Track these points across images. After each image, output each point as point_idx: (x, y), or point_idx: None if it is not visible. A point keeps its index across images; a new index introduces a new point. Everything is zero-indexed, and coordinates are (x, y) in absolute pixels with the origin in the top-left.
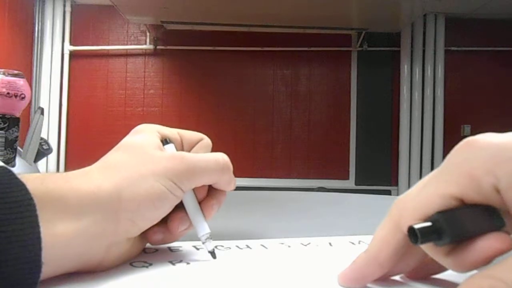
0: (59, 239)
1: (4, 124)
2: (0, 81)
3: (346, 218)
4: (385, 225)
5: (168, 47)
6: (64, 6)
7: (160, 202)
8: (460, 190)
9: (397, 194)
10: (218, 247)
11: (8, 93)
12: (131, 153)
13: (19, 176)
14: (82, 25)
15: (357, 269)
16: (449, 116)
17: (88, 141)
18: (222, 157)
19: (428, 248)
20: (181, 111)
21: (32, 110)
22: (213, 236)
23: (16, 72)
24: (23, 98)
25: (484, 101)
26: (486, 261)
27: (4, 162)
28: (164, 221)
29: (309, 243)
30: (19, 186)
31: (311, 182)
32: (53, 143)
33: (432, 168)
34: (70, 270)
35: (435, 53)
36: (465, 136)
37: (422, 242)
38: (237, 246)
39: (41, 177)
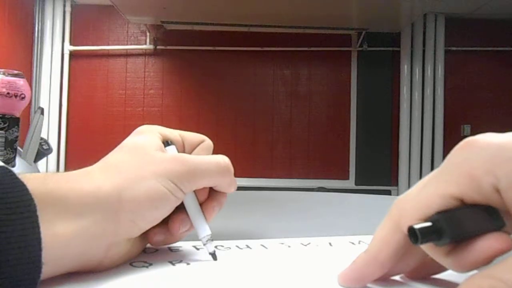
0: (59, 239)
1: (4, 124)
2: (0, 81)
3: (346, 218)
4: (385, 225)
5: (168, 47)
6: (64, 6)
7: (160, 203)
8: (460, 190)
9: (397, 194)
10: (218, 247)
11: (8, 93)
12: (133, 153)
13: (19, 176)
14: (82, 25)
15: (357, 269)
16: (449, 116)
17: (88, 141)
18: (223, 159)
19: (428, 248)
20: (181, 111)
21: (32, 110)
22: (213, 236)
23: (16, 72)
24: (23, 98)
25: (484, 101)
26: (486, 261)
27: (4, 162)
28: (165, 222)
29: (309, 243)
30: (20, 187)
31: (311, 182)
32: (53, 143)
33: (432, 168)
34: (70, 270)
35: (435, 53)
36: (465, 136)
37: (422, 242)
38: (237, 246)
39: (42, 177)
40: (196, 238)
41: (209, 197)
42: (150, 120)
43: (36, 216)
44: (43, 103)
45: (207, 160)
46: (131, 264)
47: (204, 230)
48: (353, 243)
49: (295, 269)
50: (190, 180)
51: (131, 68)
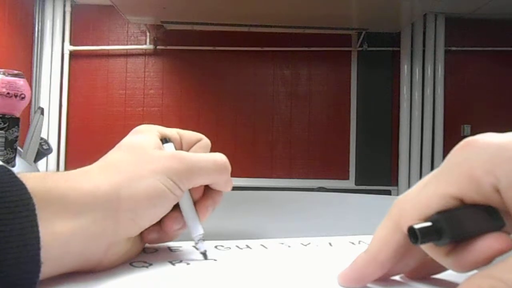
0: (58, 238)
1: (4, 124)
2: (0, 81)
3: (346, 218)
4: (385, 225)
5: (168, 47)
6: (64, 6)
7: (159, 201)
8: (460, 190)
9: (397, 194)
10: (218, 247)
11: (8, 93)
12: (131, 152)
13: (18, 175)
14: (82, 25)
15: (357, 269)
16: (449, 116)
17: (88, 141)
18: (220, 157)
19: (428, 248)
20: (181, 111)
21: (32, 110)
22: (213, 236)
23: (16, 72)
24: (23, 98)
25: (484, 101)
26: (486, 261)
27: (4, 162)
28: (159, 221)
29: (309, 243)
30: (19, 185)
31: (311, 182)
32: (53, 143)
33: (432, 168)
34: (69, 270)
35: (435, 53)
36: (465, 136)
37: (422, 242)
38: (237, 246)
39: (41, 176)
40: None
41: (204, 195)
42: (150, 120)
43: (35, 215)
44: (43, 103)
45: (205, 157)
46: (131, 264)
47: (197, 229)
48: (353, 243)
49: (295, 269)
50: (188, 178)
51: (131, 68)
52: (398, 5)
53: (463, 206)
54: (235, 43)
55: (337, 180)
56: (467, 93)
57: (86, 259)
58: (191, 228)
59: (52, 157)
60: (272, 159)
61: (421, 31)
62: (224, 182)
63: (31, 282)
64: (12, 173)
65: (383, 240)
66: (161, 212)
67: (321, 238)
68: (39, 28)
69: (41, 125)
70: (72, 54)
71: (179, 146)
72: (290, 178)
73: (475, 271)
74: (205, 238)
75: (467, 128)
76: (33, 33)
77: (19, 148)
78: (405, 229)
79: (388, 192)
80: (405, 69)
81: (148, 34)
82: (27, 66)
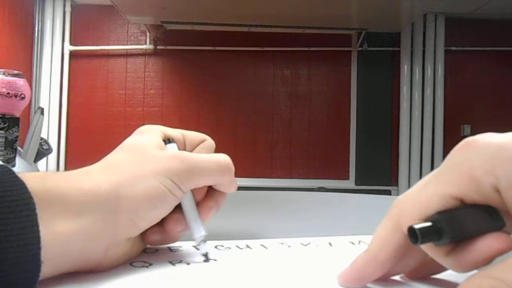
0: (59, 238)
1: (4, 124)
2: (0, 81)
3: (346, 218)
4: (385, 225)
5: (168, 47)
6: (64, 6)
7: (159, 202)
8: (460, 190)
9: (397, 194)
10: (218, 247)
11: (8, 93)
12: (133, 153)
13: (19, 175)
14: (82, 25)
15: (357, 269)
16: (449, 116)
17: (88, 141)
18: (224, 158)
19: (428, 248)
20: (181, 111)
21: (32, 110)
22: (213, 236)
23: (16, 72)
24: (23, 98)
25: (484, 101)
26: (486, 261)
27: (4, 162)
28: (162, 222)
29: (309, 243)
30: (19, 185)
31: (311, 182)
32: (53, 143)
33: (432, 168)
34: (69, 270)
35: (435, 53)
36: (465, 136)
37: (422, 242)
38: (237, 246)
39: (42, 175)
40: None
41: (206, 196)
42: (150, 120)
43: (36, 215)
44: (43, 103)
45: (208, 158)
46: (131, 264)
47: (199, 230)
48: (353, 243)
49: (295, 269)
50: (190, 178)
51: (131, 68)
52: (398, 5)
53: (463, 206)
54: (235, 43)
55: (337, 180)
56: (467, 93)
57: (86, 259)
58: (193, 229)
59: (52, 157)
60: (272, 159)
61: (421, 31)
62: (228, 183)
63: (31, 282)
64: (13, 173)
65: (383, 240)
66: (162, 213)
67: (321, 238)
68: (39, 28)
69: (41, 125)
70: (72, 54)
71: (183, 147)
72: (290, 178)
73: (475, 271)
74: (208, 238)
75: (467, 128)
76: (33, 33)
77: (19, 148)
78: (405, 229)
79: (388, 192)
80: (405, 69)
81: (148, 34)
82: (27, 66)
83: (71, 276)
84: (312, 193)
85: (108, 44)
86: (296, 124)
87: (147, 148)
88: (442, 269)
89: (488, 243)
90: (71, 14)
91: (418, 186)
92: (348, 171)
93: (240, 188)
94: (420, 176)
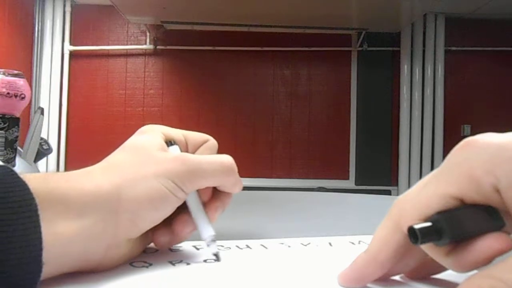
0: (60, 238)
1: (4, 124)
2: (0, 81)
3: (346, 218)
4: (385, 225)
5: (168, 47)
6: (64, 6)
7: (160, 203)
8: (460, 190)
9: (397, 194)
10: (218, 247)
11: (8, 93)
12: (134, 153)
13: (21, 176)
14: (82, 25)
15: (357, 269)
16: (449, 116)
17: (88, 141)
18: (227, 159)
19: (428, 248)
20: (181, 111)
21: (32, 110)
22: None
23: (16, 72)
24: (23, 98)
25: (484, 101)
26: (486, 261)
27: (4, 162)
28: (170, 223)
29: (309, 243)
30: (21, 186)
31: (311, 182)
32: (53, 143)
33: (432, 168)
34: (70, 270)
35: (435, 53)
36: (465, 136)
37: (422, 242)
38: (237, 246)
39: (43, 176)
40: (196, 238)
41: (212, 197)
42: (150, 120)
43: (38, 216)
44: (43, 103)
45: (210, 159)
46: (131, 264)
47: (208, 230)
48: (353, 243)
49: (295, 269)
50: (192, 180)
51: (131, 68)
52: (398, 5)
53: (463, 206)
54: (235, 43)
55: (337, 180)
56: (467, 93)
57: (86, 260)
58: (201, 229)
59: (52, 157)
60: (272, 159)
61: (421, 31)
62: (232, 183)
63: (32, 283)
64: (15, 174)
65: (383, 240)
66: (162, 214)
67: (321, 238)
68: (39, 28)
69: (41, 125)
70: (72, 54)
71: (185, 148)
72: (290, 178)
73: (475, 271)
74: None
75: (467, 128)
76: (33, 33)
77: (19, 148)
78: (405, 229)
79: (388, 192)
80: (405, 69)
81: (148, 34)
82: (27, 66)
83: (72, 276)
84: (312, 193)
85: (108, 44)
86: (296, 124)
87: (149, 149)
88: (442, 269)
89: (488, 243)
90: (71, 14)
91: (418, 186)
92: (348, 171)
93: None
94: (420, 176)
